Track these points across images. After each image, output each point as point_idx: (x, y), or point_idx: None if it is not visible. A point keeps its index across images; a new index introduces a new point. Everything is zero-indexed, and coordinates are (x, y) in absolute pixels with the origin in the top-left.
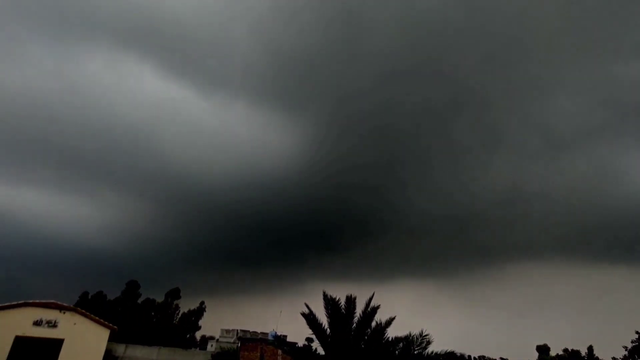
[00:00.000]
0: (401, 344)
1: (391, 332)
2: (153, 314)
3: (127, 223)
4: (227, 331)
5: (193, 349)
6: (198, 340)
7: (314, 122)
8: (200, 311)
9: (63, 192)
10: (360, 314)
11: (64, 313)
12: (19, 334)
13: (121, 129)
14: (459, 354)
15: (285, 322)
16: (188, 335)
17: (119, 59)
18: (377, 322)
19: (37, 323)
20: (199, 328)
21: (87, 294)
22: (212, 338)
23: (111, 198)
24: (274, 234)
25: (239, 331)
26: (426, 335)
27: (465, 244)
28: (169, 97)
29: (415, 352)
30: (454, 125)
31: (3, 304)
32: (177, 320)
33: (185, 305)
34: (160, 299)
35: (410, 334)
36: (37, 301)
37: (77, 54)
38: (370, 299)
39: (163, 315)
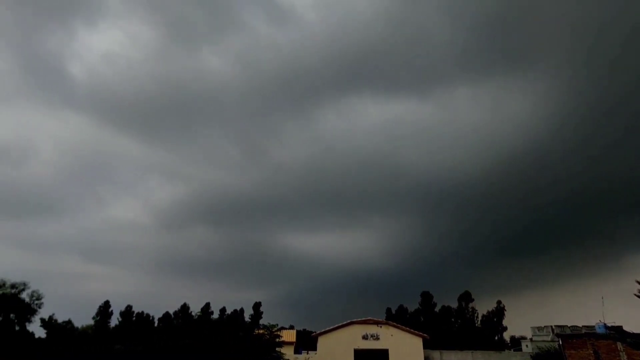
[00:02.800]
0: None
1: None
2: (453, 320)
3: (401, 240)
4: (539, 328)
5: (506, 350)
6: (508, 341)
7: (551, 77)
8: (499, 311)
9: (343, 229)
10: None
11: (381, 327)
12: (355, 347)
13: (369, 161)
14: None
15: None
16: (497, 337)
17: (345, 103)
18: None
19: (365, 337)
20: (504, 329)
21: (390, 309)
22: (523, 338)
23: (380, 223)
24: (547, 215)
25: (553, 327)
26: None
27: None
28: (393, 116)
29: None
30: None
31: (338, 325)
32: (478, 322)
33: (482, 306)
34: (454, 304)
35: None
36: (359, 319)
37: (315, 115)
38: None
39: (462, 319)
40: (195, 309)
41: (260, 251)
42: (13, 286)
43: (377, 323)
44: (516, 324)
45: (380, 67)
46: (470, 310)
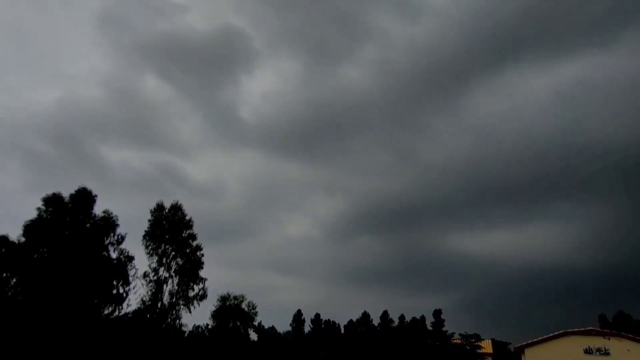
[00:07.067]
0: None
1: None
2: None
3: (603, 229)
4: None
5: None
6: None
7: None
8: None
9: (520, 223)
10: None
11: (609, 339)
12: None
13: (541, 140)
14: None
15: None
16: None
17: (498, 82)
18: None
19: (588, 351)
20: None
21: (604, 317)
22: None
23: (568, 212)
24: None
25: None
26: None
27: None
28: (565, 80)
29: None
30: None
31: (546, 336)
32: None
33: None
34: None
35: None
36: (577, 330)
37: (464, 103)
38: None
39: None
40: (374, 316)
41: (429, 255)
42: (235, 298)
43: (602, 334)
44: None
45: (538, 30)
46: None
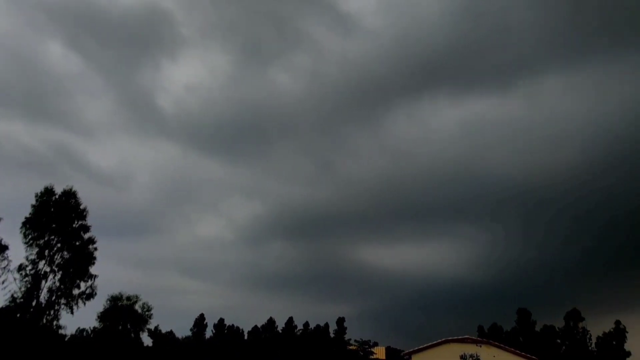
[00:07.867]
0: None
1: None
2: (559, 341)
3: (490, 251)
4: None
5: None
6: None
7: None
8: (619, 333)
9: (422, 240)
10: None
11: (480, 346)
12: None
13: (448, 166)
14: None
15: None
16: None
17: (417, 108)
18: None
19: (463, 357)
20: (627, 354)
21: (482, 327)
22: None
23: (465, 233)
24: None
25: None
26: None
27: None
28: (472, 115)
29: None
30: None
31: (430, 343)
32: (592, 345)
33: (595, 327)
34: (557, 323)
35: None
36: (454, 338)
37: (386, 123)
38: None
39: (570, 341)
40: (280, 322)
41: (338, 265)
42: (128, 298)
43: (475, 342)
44: None
45: (454, 66)
46: (581, 330)
